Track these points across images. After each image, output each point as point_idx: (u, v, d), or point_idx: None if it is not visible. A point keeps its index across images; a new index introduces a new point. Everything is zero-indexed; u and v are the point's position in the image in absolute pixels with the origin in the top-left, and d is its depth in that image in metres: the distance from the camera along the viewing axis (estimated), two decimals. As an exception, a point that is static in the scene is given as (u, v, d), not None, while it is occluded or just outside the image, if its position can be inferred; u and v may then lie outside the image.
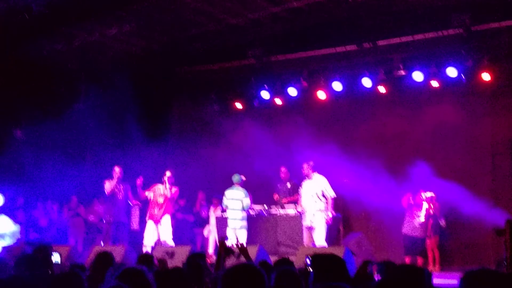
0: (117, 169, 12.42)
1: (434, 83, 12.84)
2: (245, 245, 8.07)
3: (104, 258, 6.28)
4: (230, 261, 7.22)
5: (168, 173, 12.47)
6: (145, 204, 12.89)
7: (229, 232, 12.15)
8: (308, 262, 7.43)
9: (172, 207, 12.67)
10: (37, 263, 5.43)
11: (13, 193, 13.49)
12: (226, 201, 12.49)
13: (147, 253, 8.08)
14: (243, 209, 12.32)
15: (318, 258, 4.64)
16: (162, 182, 12.44)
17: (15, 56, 12.35)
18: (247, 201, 12.38)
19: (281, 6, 12.23)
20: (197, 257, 6.73)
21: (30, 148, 13.75)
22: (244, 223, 12.38)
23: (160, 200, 12.38)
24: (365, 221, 12.94)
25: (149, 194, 12.44)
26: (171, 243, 12.19)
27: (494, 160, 12.79)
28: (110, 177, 12.46)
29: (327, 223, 11.38)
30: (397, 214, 12.67)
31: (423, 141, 13.31)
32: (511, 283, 3.24)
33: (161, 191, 12.44)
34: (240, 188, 12.49)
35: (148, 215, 12.53)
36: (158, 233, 12.34)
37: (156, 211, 12.36)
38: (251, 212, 12.66)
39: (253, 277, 3.45)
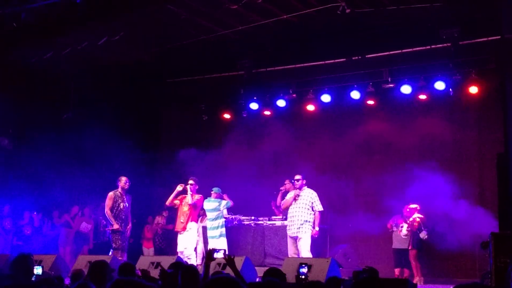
0: (123, 179, 11.96)
1: (422, 96, 12.90)
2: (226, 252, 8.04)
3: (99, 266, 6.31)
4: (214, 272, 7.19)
5: (190, 181, 12.22)
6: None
7: (210, 243, 12.09)
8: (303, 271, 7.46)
9: (196, 215, 12.43)
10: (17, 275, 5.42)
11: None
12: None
13: (127, 262, 7.97)
14: (218, 216, 12.26)
15: None
16: (184, 191, 12.23)
17: (2, 64, 12.30)
18: (223, 202, 12.35)
19: (270, 18, 12.28)
20: (176, 266, 6.63)
21: (19, 157, 13.71)
22: (217, 231, 12.27)
23: (185, 208, 12.23)
24: (352, 233, 12.91)
25: (176, 202, 12.32)
26: (188, 252, 12.01)
27: (481, 173, 12.84)
28: (114, 187, 11.95)
29: (312, 236, 11.33)
30: (384, 226, 12.68)
31: (410, 154, 13.33)
32: None
33: (187, 200, 12.26)
34: (213, 198, 12.42)
35: (175, 225, 12.44)
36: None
37: (182, 219, 12.26)
38: (224, 217, 12.54)
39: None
